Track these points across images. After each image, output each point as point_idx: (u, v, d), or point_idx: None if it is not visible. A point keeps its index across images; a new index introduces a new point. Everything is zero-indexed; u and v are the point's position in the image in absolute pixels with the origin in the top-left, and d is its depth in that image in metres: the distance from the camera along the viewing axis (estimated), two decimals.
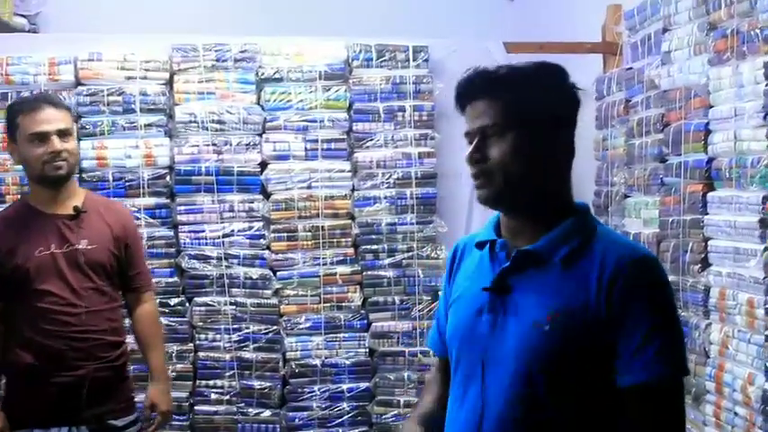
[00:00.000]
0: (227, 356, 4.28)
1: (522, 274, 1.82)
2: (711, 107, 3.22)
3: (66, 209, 3.29)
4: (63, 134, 3.23)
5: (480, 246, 1.94)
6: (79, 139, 4.15)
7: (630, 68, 3.93)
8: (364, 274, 4.39)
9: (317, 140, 4.35)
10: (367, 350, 4.38)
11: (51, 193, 3.28)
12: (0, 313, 3.27)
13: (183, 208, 4.29)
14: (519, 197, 1.83)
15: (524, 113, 1.80)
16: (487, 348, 1.82)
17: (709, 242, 3.23)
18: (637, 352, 1.70)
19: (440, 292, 2.19)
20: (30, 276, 3.19)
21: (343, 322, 4.36)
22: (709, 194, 3.23)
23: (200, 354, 4.28)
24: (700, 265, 3.27)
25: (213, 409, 4.30)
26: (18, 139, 3.25)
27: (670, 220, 3.47)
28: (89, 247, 3.27)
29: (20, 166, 3.50)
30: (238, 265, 4.30)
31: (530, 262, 1.81)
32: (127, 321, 3.59)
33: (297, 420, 4.33)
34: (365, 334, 4.37)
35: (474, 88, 1.84)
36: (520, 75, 1.84)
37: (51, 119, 3.21)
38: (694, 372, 3.26)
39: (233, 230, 4.31)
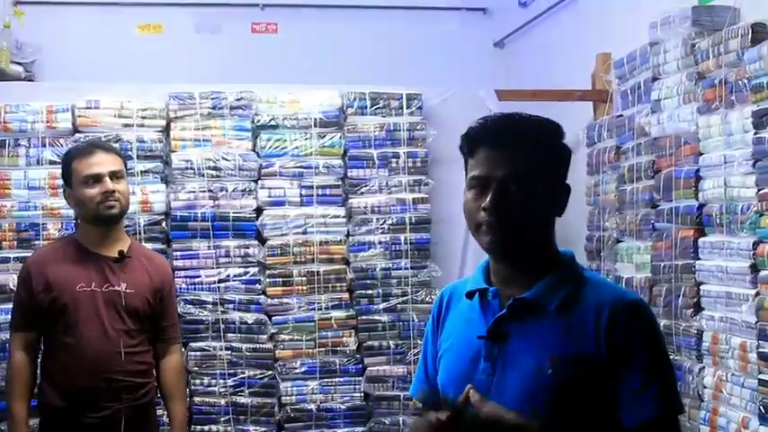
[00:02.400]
0: (223, 401, 4.27)
1: (518, 321, 1.84)
2: (701, 154, 3.29)
3: (112, 252, 3.42)
4: (114, 176, 3.38)
5: (470, 295, 1.95)
6: None
7: (621, 116, 4.01)
8: (359, 318, 4.41)
9: (312, 186, 4.40)
10: (362, 394, 4.38)
11: (101, 235, 3.41)
12: (34, 345, 3.40)
13: (179, 253, 4.32)
14: (527, 246, 1.85)
15: (546, 166, 1.84)
16: (487, 395, 1.82)
17: (702, 287, 3.28)
18: (639, 392, 1.75)
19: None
20: (67, 310, 3.31)
21: (338, 367, 4.37)
22: (701, 240, 3.28)
23: (196, 399, 4.27)
24: (692, 310, 3.32)
25: None
26: (73, 184, 3.39)
27: (662, 264, 3.52)
28: (128, 290, 3.38)
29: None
30: (234, 310, 4.31)
31: (526, 309, 1.84)
32: None
33: None
34: (360, 378, 4.38)
35: (500, 135, 1.84)
36: (543, 129, 1.87)
37: (103, 162, 3.37)
38: (689, 415, 3.29)
39: (228, 276, 4.33)
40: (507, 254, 1.86)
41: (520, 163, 1.81)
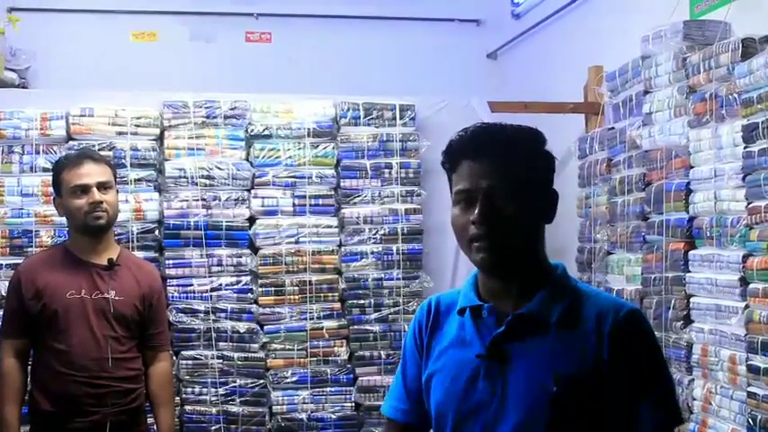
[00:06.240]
0: (214, 410, 4.27)
1: (518, 338, 1.78)
2: (692, 167, 3.32)
3: (102, 259, 3.44)
4: (103, 186, 3.39)
5: (462, 312, 1.87)
6: None
7: (612, 128, 4.03)
8: (351, 328, 4.42)
9: (304, 196, 4.41)
10: (353, 404, 4.39)
11: (90, 243, 3.44)
12: (25, 351, 3.42)
13: (171, 262, 4.32)
14: (518, 259, 1.80)
15: (530, 173, 1.80)
16: (489, 416, 1.78)
17: (691, 299, 3.30)
18: (643, 401, 1.73)
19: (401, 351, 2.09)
20: (57, 317, 3.33)
21: (329, 376, 4.38)
22: (691, 252, 3.31)
23: (187, 407, 4.27)
24: (682, 322, 3.34)
25: None
26: (63, 193, 3.42)
27: (652, 277, 3.54)
28: (117, 298, 3.40)
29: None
30: (226, 318, 4.32)
31: (526, 326, 1.78)
32: None
33: None
34: (351, 388, 4.39)
35: (480, 147, 1.79)
36: (524, 137, 1.82)
37: (92, 172, 3.39)
38: (678, 428, 3.30)
39: (221, 284, 4.34)
40: (501, 266, 1.80)
41: (503, 172, 1.76)
